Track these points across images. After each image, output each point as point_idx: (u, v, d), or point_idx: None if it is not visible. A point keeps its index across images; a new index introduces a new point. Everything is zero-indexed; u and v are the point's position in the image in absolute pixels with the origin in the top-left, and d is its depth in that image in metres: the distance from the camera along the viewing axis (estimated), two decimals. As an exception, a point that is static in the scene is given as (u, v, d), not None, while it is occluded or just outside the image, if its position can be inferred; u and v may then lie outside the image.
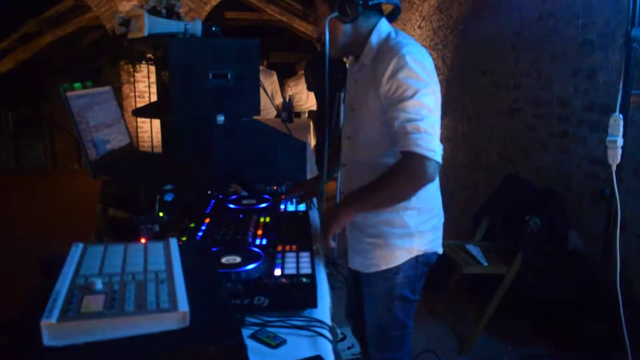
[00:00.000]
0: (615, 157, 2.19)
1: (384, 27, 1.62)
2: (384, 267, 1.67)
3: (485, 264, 2.87)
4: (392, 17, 1.70)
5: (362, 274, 1.76)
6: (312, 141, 5.54)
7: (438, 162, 1.45)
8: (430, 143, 1.44)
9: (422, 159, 1.43)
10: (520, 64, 3.77)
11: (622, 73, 2.20)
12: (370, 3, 1.57)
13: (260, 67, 4.84)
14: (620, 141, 2.17)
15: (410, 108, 1.45)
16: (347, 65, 1.87)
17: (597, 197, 2.83)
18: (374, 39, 1.60)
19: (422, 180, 1.47)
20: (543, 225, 2.77)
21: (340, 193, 1.83)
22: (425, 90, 1.47)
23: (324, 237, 1.56)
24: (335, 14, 1.57)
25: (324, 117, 5.58)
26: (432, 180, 1.48)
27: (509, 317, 3.07)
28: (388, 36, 1.59)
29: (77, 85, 1.61)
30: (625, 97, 2.22)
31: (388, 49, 1.53)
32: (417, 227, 1.65)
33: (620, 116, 2.18)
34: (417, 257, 1.68)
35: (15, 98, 11.03)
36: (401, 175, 1.47)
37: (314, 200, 2.18)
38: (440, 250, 1.76)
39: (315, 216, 2.00)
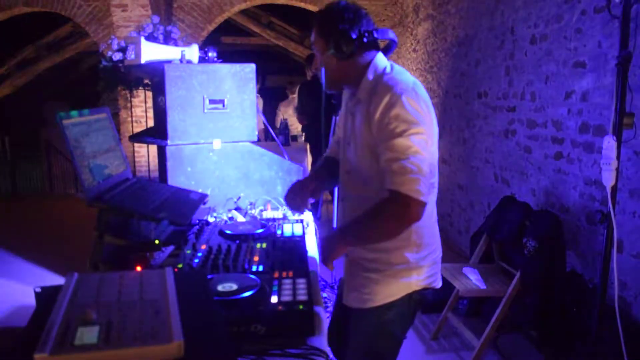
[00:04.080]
0: (610, 178, 2.20)
1: (380, 62, 1.60)
2: (380, 303, 1.61)
3: (484, 286, 2.86)
4: (388, 51, 1.67)
5: (353, 308, 1.68)
6: (309, 164, 5.55)
7: (422, 202, 1.42)
8: (415, 184, 1.40)
9: (407, 199, 1.40)
10: (514, 86, 3.81)
11: (614, 95, 2.22)
12: (365, 40, 1.55)
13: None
14: (614, 163, 2.19)
15: (397, 146, 1.43)
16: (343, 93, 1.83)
17: (593, 218, 2.84)
18: (370, 74, 1.57)
19: (406, 221, 1.45)
20: (540, 246, 2.77)
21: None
22: (415, 130, 1.43)
23: (324, 263, 1.52)
24: (332, 51, 1.55)
25: (318, 140, 5.60)
26: (417, 220, 1.44)
27: (508, 339, 3.04)
28: (383, 71, 1.57)
29: (73, 113, 1.62)
30: (619, 118, 2.23)
31: (383, 84, 1.51)
32: (417, 262, 1.60)
33: (614, 138, 2.19)
34: (411, 294, 1.62)
35: (12, 122, 11.07)
36: (385, 214, 1.45)
37: (315, 226, 2.14)
38: (438, 285, 1.69)
39: (312, 241, 1.99)
